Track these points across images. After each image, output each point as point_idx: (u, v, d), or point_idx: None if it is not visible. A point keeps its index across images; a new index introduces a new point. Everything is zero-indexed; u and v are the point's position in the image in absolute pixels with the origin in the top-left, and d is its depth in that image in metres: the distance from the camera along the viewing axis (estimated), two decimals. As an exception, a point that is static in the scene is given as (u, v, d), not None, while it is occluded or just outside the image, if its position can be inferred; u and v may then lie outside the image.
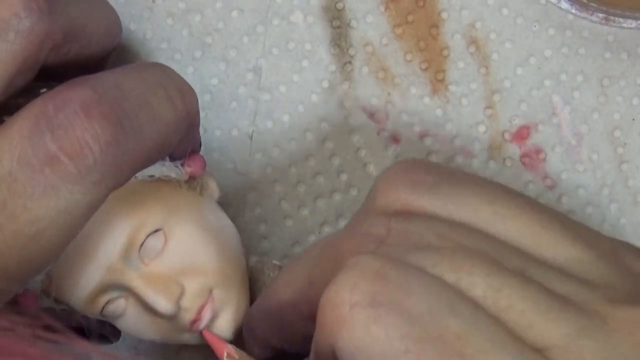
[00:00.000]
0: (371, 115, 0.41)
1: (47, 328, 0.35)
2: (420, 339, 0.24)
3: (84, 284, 0.33)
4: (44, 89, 0.31)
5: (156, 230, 0.33)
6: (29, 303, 0.33)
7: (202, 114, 0.39)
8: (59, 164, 0.27)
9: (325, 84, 0.41)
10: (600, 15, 0.39)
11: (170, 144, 0.31)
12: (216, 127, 0.41)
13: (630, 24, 0.39)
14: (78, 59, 0.32)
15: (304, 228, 0.41)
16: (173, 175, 0.34)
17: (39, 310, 0.34)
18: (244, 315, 0.36)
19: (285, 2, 0.41)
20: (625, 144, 0.41)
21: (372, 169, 0.41)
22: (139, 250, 0.33)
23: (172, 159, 0.34)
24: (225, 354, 0.34)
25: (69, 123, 0.27)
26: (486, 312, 0.25)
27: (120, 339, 0.41)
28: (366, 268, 0.26)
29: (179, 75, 0.32)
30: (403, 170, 0.31)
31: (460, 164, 0.41)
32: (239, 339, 0.36)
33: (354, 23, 0.41)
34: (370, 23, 0.41)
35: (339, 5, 0.41)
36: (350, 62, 0.41)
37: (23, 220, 0.27)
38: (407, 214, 0.29)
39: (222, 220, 0.36)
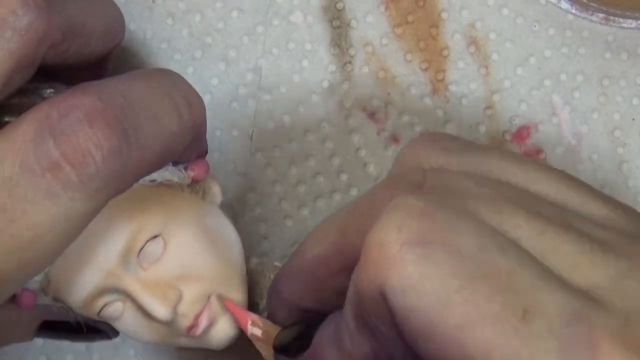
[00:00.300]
0: (371, 115, 0.41)
1: (46, 327, 0.35)
2: (472, 276, 0.24)
3: (82, 286, 0.33)
4: (48, 90, 0.31)
5: (155, 236, 0.33)
6: (27, 300, 0.33)
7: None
8: (61, 171, 0.27)
9: (325, 84, 0.41)
10: (600, 15, 0.39)
11: (174, 153, 0.31)
12: (216, 127, 0.41)
13: (630, 24, 0.39)
14: (78, 57, 0.32)
15: (304, 228, 0.41)
16: (175, 179, 0.34)
17: (37, 307, 0.34)
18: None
19: (285, 2, 0.41)
20: (625, 144, 0.41)
21: (372, 169, 0.41)
22: (138, 255, 0.33)
23: (175, 163, 0.34)
24: (249, 323, 0.34)
25: (72, 130, 0.27)
26: (531, 253, 0.25)
27: (121, 339, 0.41)
28: (412, 207, 0.26)
29: (187, 84, 0.31)
30: (430, 138, 0.31)
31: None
32: (239, 344, 0.36)
33: (354, 23, 0.41)
34: (370, 23, 0.41)
35: (339, 5, 0.41)
36: (350, 62, 0.41)
37: (22, 224, 0.27)
38: (440, 171, 0.29)
39: (223, 225, 0.35)
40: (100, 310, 0.34)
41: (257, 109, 0.41)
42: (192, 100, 0.31)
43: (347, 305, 0.28)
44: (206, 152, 0.35)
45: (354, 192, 0.41)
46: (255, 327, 0.34)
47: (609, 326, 0.23)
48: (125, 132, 0.28)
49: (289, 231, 0.41)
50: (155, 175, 0.33)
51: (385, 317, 0.26)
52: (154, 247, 0.33)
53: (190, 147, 0.32)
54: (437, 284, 0.24)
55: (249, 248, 0.40)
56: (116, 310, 0.34)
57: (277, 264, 0.37)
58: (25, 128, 0.27)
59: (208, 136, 0.37)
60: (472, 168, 0.29)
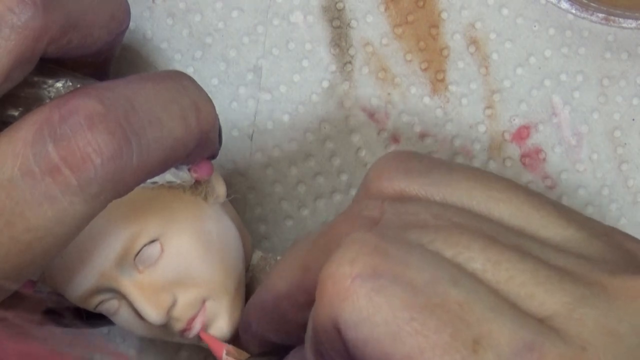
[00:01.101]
0: (371, 115, 0.41)
1: (48, 312, 0.35)
2: (424, 307, 0.24)
3: (77, 285, 0.33)
4: (52, 81, 0.31)
5: (153, 240, 0.33)
6: (26, 288, 0.33)
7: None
8: (60, 175, 0.27)
9: (326, 84, 0.41)
10: (600, 15, 0.39)
11: (177, 158, 0.30)
12: (216, 127, 0.41)
13: (630, 24, 0.39)
14: (81, 48, 0.32)
15: (304, 228, 0.41)
16: (177, 181, 0.34)
17: (37, 293, 0.34)
18: (236, 325, 0.35)
19: (285, 2, 0.41)
20: (625, 144, 0.41)
21: (372, 169, 0.41)
22: (134, 259, 0.33)
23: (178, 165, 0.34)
24: (224, 353, 0.34)
25: (72, 134, 0.27)
26: (486, 285, 0.25)
27: (122, 339, 0.41)
28: (364, 243, 0.26)
29: (197, 89, 0.31)
30: (395, 158, 0.31)
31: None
32: (235, 343, 0.36)
33: (354, 23, 0.41)
34: (370, 23, 0.41)
35: (339, 5, 0.41)
36: (350, 62, 0.41)
37: (20, 227, 0.27)
38: (400, 199, 0.29)
39: (224, 227, 0.35)
40: (96, 307, 0.34)
41: (257, 109, 0.41)
42: (201, 106, 0.31)
43: (307, 341, 0.28)
44: (216, 154, 0.34)
45: (354, 192, 0.41)
46: (229, 357, 0.34)
47: (562, 355, 0.24)
48: (126, 137, 0.28)
49: (289, 231, 0.41)
50: (156, 178, 0.33)
51: (340, 350, 0.26)
52: (151, 251, 0.33)
53: (196, 152, 0.32)
54: (388, 316, 0.25)
55: (253, 243, 0.40)
56: (112, 307, 0.34)
57: (280, 258, 0.37)
58: (26, 131, 0.27)
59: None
60: (434, 191, 0.29)
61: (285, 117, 0.41)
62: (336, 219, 0.31)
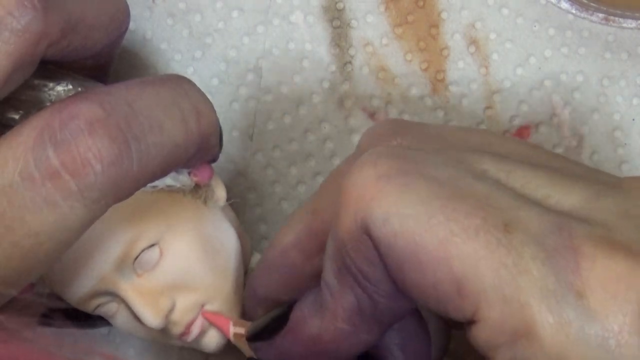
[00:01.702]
0: (371, 115, 0.41)
1: (46, 316, 0.35)
2: (453, 196, 0.25)
3: (76, 289, 0.33)
4: (53, 84, 0.31)
5: (152, 245, 0.33)
6: (24, 290, 0.33)
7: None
8: (60, 180, 0.27)
9: (325, 84, 0.41)
10: (600, 15, 0.39)
11: (177, 163, 0.31)
12: (216, 127, 0.41)
13: (630, 24, 0.39)
14: (81, 50, 0.32)
15: (304, 228, 0.41)
16: (177, 185, 0.33)
17: (35, 295, 0.34)
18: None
19: (285, 2, 0.41)
20: (625, 144, 0.41)
21: (372, 169, 0.41)
22: (134, 263, 0.33)
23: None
24: (231, 324, 0.34)
25: (73, 139, 0.27)
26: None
27: (121, 339, 0.41)
28: (383, 150, 0.26)
29: (198, 93, 0.31)
30: (387, 121, 0.32)
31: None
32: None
33: (354, 23, 0.41)
34: (370, 23, 0.41)
35: (339, 5, 0.41)
36: (350, 62, 0.41)
37: (21, 233, 0.27)
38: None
39: (223, 231, 0.35)
40: (94, 309, 0.34)
41: (257, 109, 0.41)
42: (202, 110, 0.31)
43: (327, 266, 0.28)
44: (217, 158, 0.34)
45: (354, 192, 0.41)
46: (237, 327, 0.34)
47: (590, 234, 0.24)
48: (126, 143, 0.28)
49: (289, 231, 0.41)
50: (156, 182, 0.33)
51: (368, 254, 0.26)
52: (150, 256, 0.33)
53: (197, 156, 0.32)
54: (418, 207, 0.25)
55: (253, 243, 0.40)
56: (110, 310, 0.34)
57: None
58: (27, 135, 0.27)
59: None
60: (432, 140, 0.30)
61: (285, 117, 0.41)
62: (338, 165, 0.31)
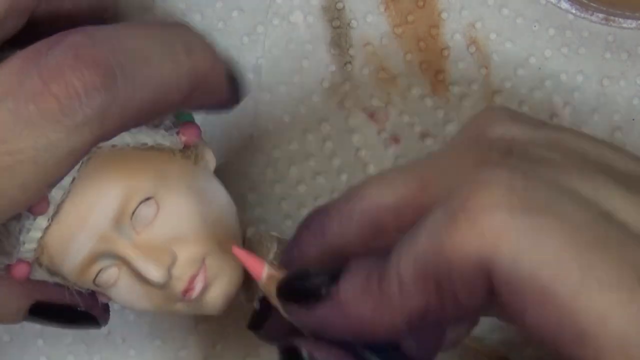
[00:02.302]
0: (371, 115, 0.41)
1: (36, 311, 0.35)
2: (588, 244, 0.24)
3: (76, 252, 0.33)
4: None
5: (148, 198, 0.33)
6: (21, 271, 0.33)
7: (202, 114, 0.39)
8: (44, 102, 0.27)
9: (325, 84, 0.41)
10: (600, 15, 0.39)
11: (168, 102, 0.30)
12: (216, 127, 0.41)
13: (630, 24, 0.39)
14: (71, 15, 0.32)
15: (304, 228, 0.41)
16: (167, 143, 0.34)
17: (31, 284, 0.34)
18: (238, 285, 0.35)
19: (285, 2, 0.41)
20: (625, 144, 0.41)
21: (372, 170, 0.41)
22: (131, 219, 0.33)
23: (171, 125, 0.34)
24: (266, 267, 0.30)
25: (58, 63, 0.27)
26: (628, 224, 0.25)
27: (121, 339, 0.41)
28: (514, 180, 0.25)
29: (192, 34, 0.31)
30: (501, 110, 0.31)
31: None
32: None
33: (354, 23, 0.41)
34: (370, 23, 0.41)
35: (339, 5, 0.41)
36: (350, 62, 0.41)
37: (1, 150, 0.27)
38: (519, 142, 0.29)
39: (217, 189, 0.35)
40: (95, 277, 0.34)
41: (257, 109, 0.41)
42: (193, 48, 0.30)
43: (410, 257, 0.26)
44: (230, 102, 0.33)
45: (354, 192, 0.41)
46: (272, 270, 0.30)
47: None
48: (112, 70, 0.28)
49: (289, 231, 0.41)
50: (146, 139, 0.33)
51: (474, 284, 0.25)
52: (147, 210, 0.33)
53: (196, 96, 0.31)
54: (551, 253, 0.24)
55: (245, 217, 0.40)
56: (111, 276, 0.34)
57: (275, 233, 0.36)
58: (14, 62, 0.28)
59: (208, 137, 0.37)
60: (549, 142, 0.29)
61: (285, 117, 0.41)
62: (456, 145, 0.30)
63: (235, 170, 0.41)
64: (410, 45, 0.41)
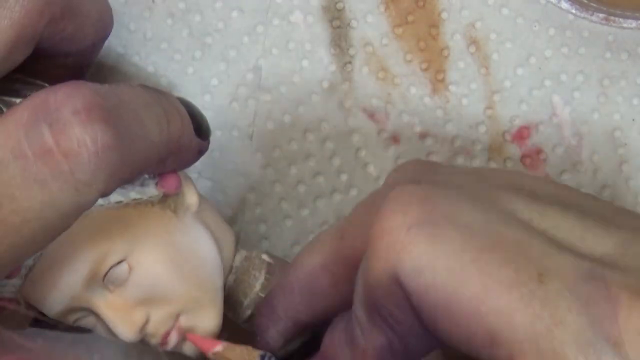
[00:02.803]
0: (371, 115, 0.41)
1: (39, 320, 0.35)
2: (484, 248, 0.25)
3: (51, 306, 0.33)
4: (30, 92, 0.31)
5: (120, 261, 0.33)
6: (8, 305, 0.33)
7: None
8: (52, 160, 0.27)
9: (325, 84, 0.41)
10: (600, 15, 0.39)
11: (151, 164, 0.30)
12: (216, 127, 0.41)
13: (630, 24, 0.39)
14: (72, 41, 0.32)
15: (304, 228, 0.41)
16: (144, 197, 0.33)
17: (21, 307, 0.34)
18: (215, 333, 0.35)
19: (285, 2, 0.41)
20: (625, 144, 0.41)
21: (372, 170, 0.41)
22: (103, 280, 0.33)
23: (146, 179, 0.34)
24: (214, 350, 0.34)
25: (68, 120, 0.27)
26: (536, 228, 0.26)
27: (120, 339, 0.40)
28: (413, 193, 0.26)
29: (165, 97, 0.31)
30: (417, 160, 0.32)
31: (460, 165, 0.41)
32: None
33: (354, 23, 0.41)
34: (370, 23, 0.41)
35: (339, 5, 0.41)
36: (350, 62, 0.41)
37: (8, 209, 0.27)
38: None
39: (196, 239, 0.35)
40: (74, 323, 0.34)
41: (257, 109, 0.41)
42: (170, 114, 0.31)
43: (357, 302, 0.28)
44: (203, 150, 0.34)
45: (354, 192, 0.41)
46: (218, 347, 0.34)
47: (625, 282, 0.24)
48: (118, 130, 0.28)
49: (289, 231, 0.41)
50: (120, 197, 0.32)
51: (399, 302, 0.26)
52: (119, 272, 0.33)
53: (171, 159, 0.31)
54: (450, 260, 0.25)
55: (253, 243, 0.40)
56: (89, 323, 0.34)
57: (265, 256, 0.36)
58: (21, 113, 0.27)
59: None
60: (459, 176, 0.30)
61: (285, 117, 0.41)
62: (372, 193, 0.31)
63: (235, 170, 0.41)
64: (410, 45, 0.41)
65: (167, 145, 0.31)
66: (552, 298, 0.24)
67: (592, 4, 0.39)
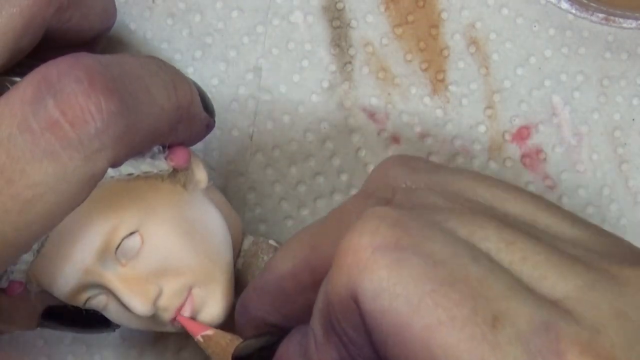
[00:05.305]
0: (371, 115, 0.41)
1: (50, 313, 0.35)
2: (444, 281, 0.25)
3: (63, 284, 0.33)
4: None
5: (132, 233, 0.33)
6: (16, 289, 0.33)
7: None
8: (60, 130, 0.27)
9: (325, 84, 0.41)
10: (600, 15, 0.39)
11: (162, 132, 0.31)
12: (216, 127, 0.41)
13: (630, 24, 0.39)
14: (77, 31, 0.32)
15: (304, 228, 0.41)
16: (154, 171, 0.33)
17: (38, 294, 0.34)
18: (227, 311, 0.35)
19: (285, 2, 0.41)
20: (625, 144, 0.41)
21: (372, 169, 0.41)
22: (115, 252, 0.33)
23: (158, 151, 0.34)
24: (202, 333, 0.34)
25: (72, 90, 0.27)
26: (501, 264, 0.26)
27: (121, 339, 0.41)
28: (385, 216, 0.26)
29: (173, 68, 0.32)
30: (400, 159, 0.32)
31: (460, 164, 0.41)
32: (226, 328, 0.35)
33: (354, 23, 0.41)
34: (370, 23, 0.41)
35: (339, 5, 0.41)
36: (350, 62, 0.41)
37: (21, 184, 0.27)
38: (408, 190, 0.30)
39: (206, 214, 0.35)
40: (84, 303, 0.34)
41: (257, 109, 0.41)
42: (177, 81, 0.31)
43: (315, 314, 0.28)
44: (210, 127, 0.34)
45: (354, 192, 0.41)
46: (201, 340, 0.34)
47: (577, 336, 0.24)
48: (125, 97, 0.28)
49: (289, 231, 0.41)
50: (131, 169, 0.33)
51: (355, 321, 0.26)
52: (132, 244, 0.33)
53: (180, 128, 0.32)
54: (409, 287, 0.25)
55: (243, 218, 0.40)
56: (100, 302, 0.34)
57: (272, 242, 0.37)
58: (24, 89, 0.27)
59: (208, 136, 0.37)
60: (440, 187, 0.30)
61: (285, 117, 0.41)
62: (344, 201, 0.31)
63: (235, 170, 0.41)
64: (410, 45, 0.41)
65: (177, 112, 0.31)
66: (502, 345, 0.24)
67: (592, 4, 0.39)
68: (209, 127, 0.34)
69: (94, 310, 0.35)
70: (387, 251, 0.25)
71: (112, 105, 0.27)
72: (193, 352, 0.40)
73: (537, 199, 0.29)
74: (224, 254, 0.35)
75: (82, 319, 0.36)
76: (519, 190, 0.29)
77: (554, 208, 0.29)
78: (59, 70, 0.27)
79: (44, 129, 0.27)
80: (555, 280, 0.25)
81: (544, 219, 0.28)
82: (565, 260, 0.26)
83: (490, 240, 0.26)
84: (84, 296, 0.34)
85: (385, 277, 0.25)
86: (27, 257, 0.32)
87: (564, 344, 0.24)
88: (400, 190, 0.30)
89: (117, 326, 0.36)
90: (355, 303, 0.26)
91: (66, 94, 0.27)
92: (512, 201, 0.29)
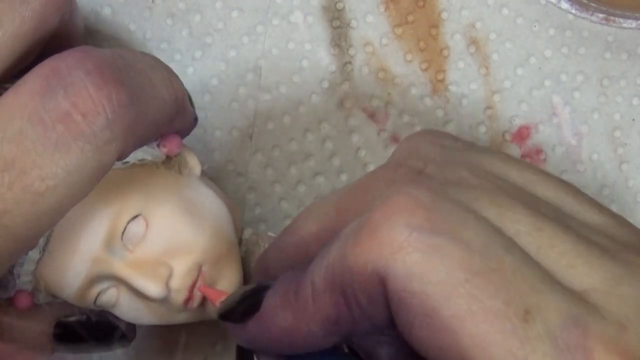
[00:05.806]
0: (371, 115, 0.41)
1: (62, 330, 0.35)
2: (479, 271, 0.25)
3: (72, 278, 0.33)
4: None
5: (136, 216, 0.33)
6: (24, 300, 0.33)
7: (202, 114, 0.39)
8: (72, 122, 0.27)
9: (325, 84, 0.41)
10: (600, 15, 0.39)
11: (164, 123, 0.31)
12: (216, 127, 0.41)
13: (630, 24, 0.39)
14: (72, 40, 0.33)
15: (304, 228, 0.41)
16: (149, 157, 0.34)
17: (46, 308, 0.34)
18: (238, 286, 0.35)
19: (285, 2, 0.41)
20: (625, 144, 0.41)
21: (372, 169, 0.41)
22: (122, 238, 0.33)
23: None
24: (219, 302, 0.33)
25: (83, 82, 0.27)
26: (528, 249, 0.26)
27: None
28: (421, 198, 0.26)
29: (165, 64, 0.32)
30: (430, 133, 0.32)
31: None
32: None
33: (354, 23, 0.41)
34: (370, 23, 0.41)
35: (339, 5, 0.41)
36: (350, 62, 0.41)
37: (33, 177, 0.27)
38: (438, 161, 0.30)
39: (205, 196, 0.35)
40: (95, 300, 0.34)
41: (257, 109, 0.41)
42: (172, 77, 0.31)
43: (320, 266, 0.27)
44: (193, 124, 0.34)
45: (354, 192, 0.41)
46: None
47: (604, 333, 0.24)
48: (134, 88, 0.28)
49: (289, 231, 0.41)
50: (128, 157, 0.33)
51: (372, 293, 0.26)
52: (136, 227, 0.33)
53: (176, 120, 0.32)
54: (443, 275, 0.25)
55: (243, 218, 0.40)
56: (111, 297, 0.34)
57: (272, 234, 0.37)
58: (33, 82, 0.27)
59: (208, 136, 0.37)
60: (471, 164, 0.30)
61: (285, 117, 0.41)
62: (375, 169, 0.31)
63: (235, 170, 0.41)
64: (410, 45, 0.41)
65: (174, 104, 0.31)
66: (531, 340, 0.24)
67: (592, 4, 0.39)
68: (196, 120, 0.34)
69: (104, 318, 0.35)
70: (424, 235, 0.25)
71: (123, 96, 0.28)
72: (193, 352, 0.40)
73: (567, 184, 0.29)
74: (228, 232, 0.35)
75: (93, 328, 0.35)
76: (548, 175, 0.29)
77: (582, 195, 0.29)
78: (68, 64, 0.28)
79: (55, 121, 0.27)
80: (582, 271, 0.25)
81: (573, 205, 0.28)
82: (593, 250, 0.26)
83: (520, 222, 0.26)
84: (94, 291, 0.34)
85: (419, 261, 0.25)
86: (34, 255, 0.32)
87: (591, 340, 0.24)
88: (431, 161, 0.29)
89: (133, 336, 0.36)
90: (379, 280, 0.26)
91: (77, 86, 0.27)
92: (542, 185, 0.29)
